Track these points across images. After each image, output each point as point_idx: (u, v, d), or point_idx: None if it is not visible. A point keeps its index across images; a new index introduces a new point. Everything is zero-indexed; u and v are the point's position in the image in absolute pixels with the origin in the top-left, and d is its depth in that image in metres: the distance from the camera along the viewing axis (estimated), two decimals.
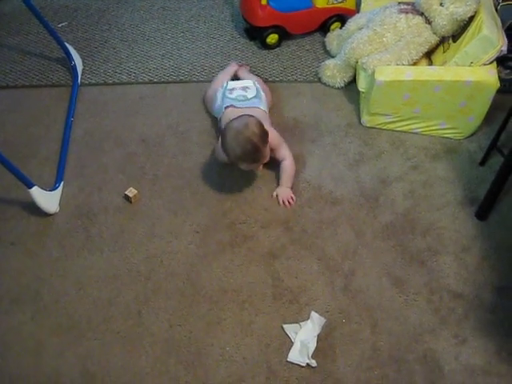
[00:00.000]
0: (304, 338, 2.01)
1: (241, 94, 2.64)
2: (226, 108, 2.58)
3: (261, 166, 2.49)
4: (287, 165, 2.49)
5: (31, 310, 2.13)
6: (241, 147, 2.29)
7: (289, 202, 2.43)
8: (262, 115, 2.56)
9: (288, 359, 1.97)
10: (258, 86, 2.72)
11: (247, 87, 2.69)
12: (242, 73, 2.94)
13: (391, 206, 2.44)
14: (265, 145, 2.34)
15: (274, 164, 2.53)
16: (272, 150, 2.46)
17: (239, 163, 2.38)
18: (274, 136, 2.45)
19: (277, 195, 2.47)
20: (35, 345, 2.03)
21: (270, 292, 2.16)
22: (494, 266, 2.24)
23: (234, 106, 2.57)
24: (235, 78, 2.94)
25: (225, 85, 2.72)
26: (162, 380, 1.94)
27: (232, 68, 2.97)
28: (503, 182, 2.28)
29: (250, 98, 2.62)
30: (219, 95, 2.68)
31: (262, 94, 2.70)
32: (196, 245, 2.31)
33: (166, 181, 2.55)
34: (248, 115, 2.38)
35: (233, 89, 2.68)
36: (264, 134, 2.34)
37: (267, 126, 2.44)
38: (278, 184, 2.51)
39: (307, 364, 1.96)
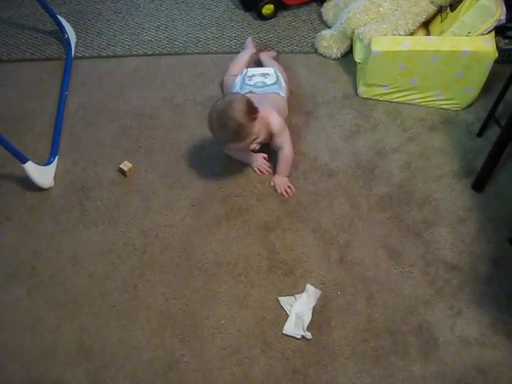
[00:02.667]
0: (299, 311, 2.01)
1: (260, 80, 2.58)
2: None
3: (254, 145, 2.34)
4: (285, 154, 2.40)
5: (27, 285, 2.13)
6: (222, 125, 2.23)
7: (286, 192, 2.38)
8: (280, 101, 2.55)
9: (283, 332, 1.98)
10: (278, 74, 2.65)
11: (267, 74, 2.62)
12: (266, 59, 2.87)
13: (387, 177, 2.43)
14: (251, 122, 2.24)
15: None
16: (272, 136, 2.40)
17: (226, 143, 2.35)
18: (277, 121, 2.38)
19: (274, 184, 2.42)
20: (32, 319, 2.04)
21: (265, 264, 2.16)
22: (490, 237, 2.24)
23: (252, 93, 2.52)
24: (256, 62, 2.90)
25: (245, 72, 2.66)
26: (158, 353, 1.95)
27: (249, 51, 2.90)
28: (500, 153, 2.27)
29: (270, 85, 2.57)
30: (238, 82, 2.62)
31: (283, 82, 2.63)
32: (191, 218, 2.31)
33: (161, 154, 2.54)
34: (235, 93, 2.35)
35: (252, 75, 2.62)
36: (250, 111, 2.24)
37: (277, 112, 2.42)
38: (273, 165, 2.48)
39: (302, 336, 1.97)
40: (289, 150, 2.40)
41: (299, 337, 1.97)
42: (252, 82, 2.57)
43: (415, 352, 1.95)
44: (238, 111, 2.20)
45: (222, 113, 2.23)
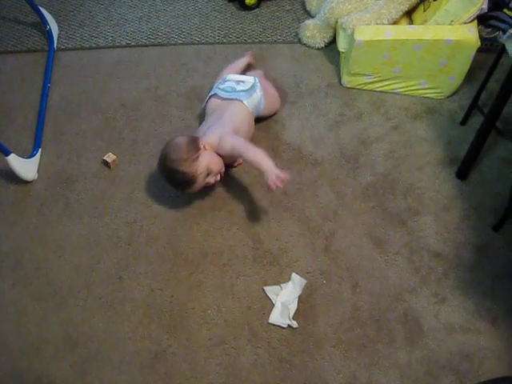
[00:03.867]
0: (285, 300, 2.01)
1: (230, 85, 2.47)
2: (210, 97, 2.46)
3: (217, 178, 2.25)
4: (251, 157, 2.14)
5: (12, 279, 2.12)
6: (170, 179, 2.20)
7: (279, 182, 2.06)
8: (240, 110, 2.39)
9: (269, 321, 1.98)
10: (258, 84, 2.50)
11: (242, 81, 2.50)
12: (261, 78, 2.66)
13: (371, 166, 2.44)
14: (193, 164, 2.13)
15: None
16: (234, 156, 2.31)
17: (185, 190, 2.23)
18: (224, 143, 2.20)
19: (267, 180, 2.07)
20: (17, 313, 2.03)
21: (250, 254, 2.16)
22: (474, 225, 2.26)
23: (218, 96, 2.43)
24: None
25: (225, 76, 2.56)
26: (144, 344, 1.94)
27: (246, 59, 2.77)
28: (483, 140, 2.28)
29: (238, 91, 2.43)
30: (214, 84, 2.54)
31: (258, 92, 2.47)
32: (176, 209, 2.31)
33: (145, 145, 2.53)
34: (169, 140, 2.21)
35: (228, 80, 2.52)
36: (188, 155, 2.13)
37: (235, 123, 2.29)
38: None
39: (288, 325, 1.97)
40: (251, 152, 2.16)
41: (285, 326, 1.97)
42: (222, 86, 2.47)
43: (401, 339, 1.96)
44: (174, 161, 2.13)
45: (163, 168, 2.19)
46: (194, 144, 2.19)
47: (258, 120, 2.54)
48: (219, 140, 2.22)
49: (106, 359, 1.91)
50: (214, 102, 2.45)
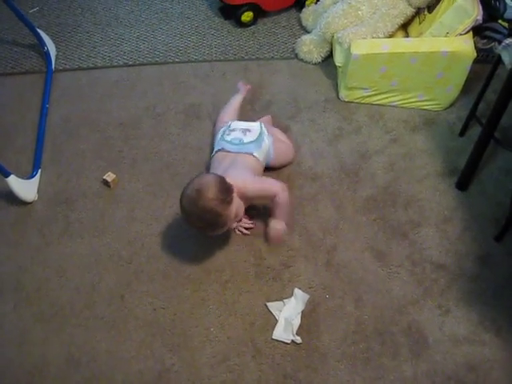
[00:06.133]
0: (288, 315, 2.01)
1: (238, 137, 2.34)
2: (217, 152, 2.34)
3: (235, 224, 2.23)
4: (280, 199, 2.15)
5: (13, 300, 2.11)
6: (197, 217, 1.99)
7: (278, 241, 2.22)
8: (252, 164, 2.29)
9: (273, 337, 1.98)
10: (264, 130, 2.41)
11: (248, 130, 2.38)
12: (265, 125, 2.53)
13: (371, 179, 2.44)
14: (227, 206, 1.98)
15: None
16: (258, 199, 2.25)
17: (206, 233, 2.12)
18: (251, 188, 2.14)
19: (269, 228, 2.20)
20: (19, 334, 2.02)
21: (252, 271, 2.16)
22: (475, 235, 2.25)
23: (225, 150, 2.30)
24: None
25: (229, 124, 2.44)
26: (148, 363, 1.93)
27: (241, 95, 2.68)
28: (482, 151, 2.28)
29: (246, 143, 2.31)
30: (219, 134, 2.41)
31: (266, 141, 2.38)
32: (177, 226, 2.30)
33: (145, 164, 2.53)
34: (203, 175, 2.13)
35: (233, 129, 2.38)
36: (224, 194, 1.98)
37: (249, 177, 2.19)
38: None
39: (292, 341, 1.96)
40: (282, 195, 2.16)
41: (289, 341, 1.96)
42: (229, 138, 2.34)
43: (405, 352, 1.95)
44: (210, 200, 1.95)
45: (192, 204, 1.98)
46: (228, 184, 2.03)
47: None
48: (243, 184, 2.11)
49: (110, 379, 1.90)
50: (221, 155, 2.31)
